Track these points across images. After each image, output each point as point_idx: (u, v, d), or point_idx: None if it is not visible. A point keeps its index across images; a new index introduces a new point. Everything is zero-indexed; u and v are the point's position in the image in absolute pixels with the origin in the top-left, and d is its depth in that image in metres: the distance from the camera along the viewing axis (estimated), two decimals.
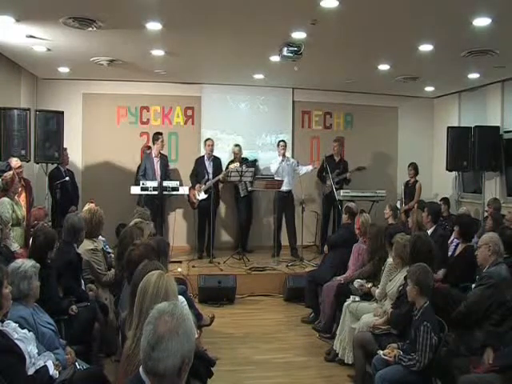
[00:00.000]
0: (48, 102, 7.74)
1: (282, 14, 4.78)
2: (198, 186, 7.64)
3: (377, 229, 4.84)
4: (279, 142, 8.15)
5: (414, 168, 8.10)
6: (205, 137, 8.23)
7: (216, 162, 7.84)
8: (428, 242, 4.01)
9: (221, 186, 8.09)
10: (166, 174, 7.65)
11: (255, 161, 8.45)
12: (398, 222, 6.05)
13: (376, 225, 5.04)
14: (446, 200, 7.60)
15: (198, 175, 7.79)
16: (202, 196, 7.59)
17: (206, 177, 7.66)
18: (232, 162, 7.76)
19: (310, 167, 8.07)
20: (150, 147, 8.06)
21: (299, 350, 4.87)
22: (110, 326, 4.20)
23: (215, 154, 8.01)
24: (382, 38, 5.52)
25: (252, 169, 7.51)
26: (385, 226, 5.23)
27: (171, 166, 8.23)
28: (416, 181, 8.13)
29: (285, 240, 8.06)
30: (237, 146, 8.15)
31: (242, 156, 8.12)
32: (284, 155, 7.98)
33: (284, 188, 7.72)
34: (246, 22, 5.09)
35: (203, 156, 7.91)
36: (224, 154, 8.27)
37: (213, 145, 7.87)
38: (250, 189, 7.88)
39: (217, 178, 7.54)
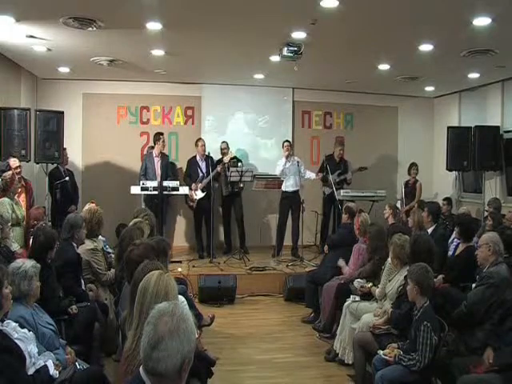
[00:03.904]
0: (48, 102, 7.74)
1: (281, 14, 4.77)
2: (193, 185, 7.63)
3: (377, 229, 4.84)
4: (284, 142, 8.05)
5: (417, 168, 8.14)
6: (205, 137, 8.24)
7: (210, 161, 7.82)
8: (428, 242, 4.02)
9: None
10: (168, 173, 7.65)
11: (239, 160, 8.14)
12: (398, 222, 6.04)
13: (376, 225, 5.04)
14: (448, 200, 7.60)
15: (191, 176, 7.78)
16: (200, 195, 7.59)
17: (201, 175, 7.66)
18: (221, 159, 7.82)
19: (313, 175, 7.99)
20: (153, 147, 8.04)
21: (299, 350, 4.87)
22: (110, 325, 4.20)
23: (213, 153, 8.01)
24: (382, 38, 5.52)
25: (252, 169, 7.53)
26: (385, 225, 5.23)
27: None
28: (416, 180, 8.15)
29: (285, 240, 8.05)
30: (223, 142, 8.13)
31: (231, 156, 7.98)
32: (288, 156, 7.89)
33: (290, 188, 7.73)
34: (246, 22, 5.08)
35: (195, 156, 7.89)
36: (219, 155, 8.19)
37: (205, 144, 7.84)
38: (240, 186, 7.75)
39: (214, 172, 7.52)
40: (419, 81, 7.80)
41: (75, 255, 4.23)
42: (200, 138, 7.97)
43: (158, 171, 7.56)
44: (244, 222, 8.07)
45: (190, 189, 7.59)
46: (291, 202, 7.82)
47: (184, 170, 8.15)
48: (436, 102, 9.54)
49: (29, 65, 7.24)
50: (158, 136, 7.71)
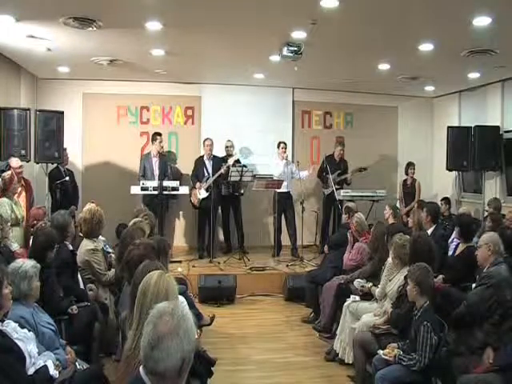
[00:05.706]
0: (48, 102, 7.74)
1: (281, 14, 4.77)
2: (198, 184, 7.65)
3: (382, 228, 4.82)
4: (279, 143, 8.07)
5: (414, 167, 8.14)
6: (205, 137, 8.23)
7: (215, 161, 7.84)
8: (428, 242, 4.02)
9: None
10: (166, 173, 7.65)
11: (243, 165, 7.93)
12: (398, 222, 6.04)
13: (382, 224, 5.03)
14: (447, 200, 7.60)
15: (198, 175, 7.79)
16: (204, 194, 7.59)
17: (207, 175, 7.68)
18: (226, 158, 7.81)
19: (305, 173, 7.98)
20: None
21: (299, 350, 4.87)
22: (110, 325, 4.20)
23: (214, 153, 8.00)
24: (382, 38, 5.51)
25: (252, 169, 7.53)
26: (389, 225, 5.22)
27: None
28: (414, 180, 8.15)
29: (285, 240, 8.07)
30: (229, 141, 8.13)
31: (236, 158, 7.91)
32: (286, 158, 7.97)
33: (284, 189, 7.74)
34: (246, 22, 5.08)
35: (202, 156, 7.91)
36: (223, 154, 8.20)
37: (212, 144, 7.87)
38: (240, 192, 7.78)
39: (218, 173, 7.54)
40: (419, 81, 7.80)
41: (69, 254, 4.22)
42: (208, 138, 7.96)
43: (156, 171, 7.57)
44: (244, 222, 8.04)
45: (195, 187, 7.60)
46: (284, 203, 7.86)
47: (183, 169, 8.18)
48: (436, 102, 9.53)
49: (29, 65, 7.24)
50: (155, 136, 7.73)
